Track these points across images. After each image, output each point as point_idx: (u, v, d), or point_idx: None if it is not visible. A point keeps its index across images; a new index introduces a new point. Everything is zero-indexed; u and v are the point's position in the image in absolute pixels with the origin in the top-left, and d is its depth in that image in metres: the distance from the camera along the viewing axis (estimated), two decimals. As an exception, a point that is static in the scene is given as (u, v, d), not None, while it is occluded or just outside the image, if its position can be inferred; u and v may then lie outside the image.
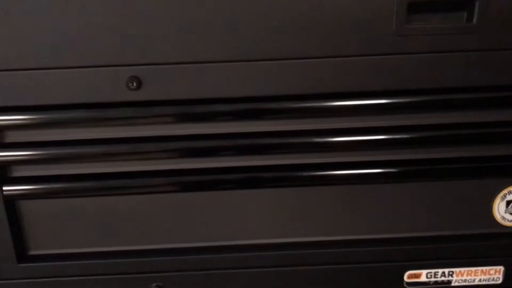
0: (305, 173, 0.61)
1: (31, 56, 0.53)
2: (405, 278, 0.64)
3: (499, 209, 0.62)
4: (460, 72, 0.55)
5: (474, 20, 0.52)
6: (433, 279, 0.64)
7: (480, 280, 0.63)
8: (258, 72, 0.55)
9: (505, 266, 0.63)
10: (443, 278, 0.64)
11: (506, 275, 0.64)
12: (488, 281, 0.64)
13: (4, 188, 0.59)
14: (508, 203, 0.61)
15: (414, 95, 0.57)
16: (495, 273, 0.63)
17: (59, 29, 0.52)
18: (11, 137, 0.59)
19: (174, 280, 0.64)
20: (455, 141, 0.60)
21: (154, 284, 0.64)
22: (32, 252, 0.64)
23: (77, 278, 0.64)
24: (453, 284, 0.64)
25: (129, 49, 0.53)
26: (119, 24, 0.52)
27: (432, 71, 0.55)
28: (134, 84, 0.54)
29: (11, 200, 0.61)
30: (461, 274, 0.63)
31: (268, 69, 0.54)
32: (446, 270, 0.64)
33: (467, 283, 0.64)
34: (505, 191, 0.61)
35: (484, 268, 0.63)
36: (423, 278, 0.63)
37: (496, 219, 0.62)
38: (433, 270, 0.64)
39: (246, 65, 0.54)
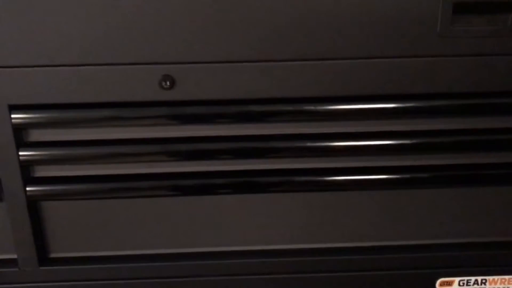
0: (324, 178, 0.59)
1: (61, 52, 0.51)
2: (437, 286, 0.62)
3: (535, 216, 0.61)
4: (503, 76, 0.53)
5: (520, 22, 0.51)
6: (465, 287, 0.62)
7: (514, 289, 0.62)
8: (295, 72, 0.53)
9: (539, 275, 0.62)
10: (476, 286, 0.62)
11: (539, 283, 0.63)
12: (521, 289, 0.63)
13: (27, 188, 0.57)
14: (545, 210, 0.60)
15: (454, 98, 0.55)
16: (530, 281, 0.62)
17: (91, 25, 0.51)
18: (36, 135, 0.57)
19: (200, 285, 0.62)
20: (490, 147, 0.58)
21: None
22: (54, 255, 0.62)
23: (98, 282, 0.62)
24: (485, 292, 0.63)
25: (164, 46, 0.51)
26: (153, 20, 0.51)
27: (474, 75, 0.54)
28: (168, 83, 0.53)
29: (34, 201, 0.59)
30: (494, 282, 0.62)
31: (306, 69, 0.53)
32: (479, 278, 0.62)
33: (499, 292, 0.63)
34: (543, 197, 0.60)
35: (518, 276, 0.62)
36: (455, 286, 0.62)
37: (533, 226, 0.61)
38: (465, 278, 0.62)
39: (282, 65, 0.53)
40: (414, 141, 0.57)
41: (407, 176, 0.59)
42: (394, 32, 0.51)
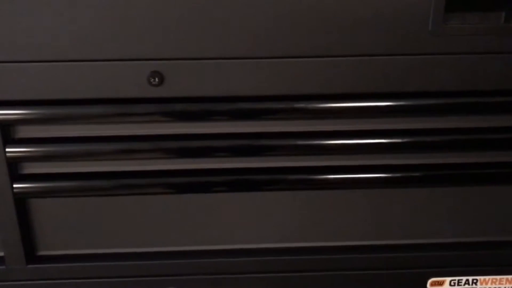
0: (318, 177, 0.59)
1: (49, 48, 0.51)
2: (428, 285, 0.62)
3: (527, 216, 0.60)
4: (496, 74, 0.53)
5: (513, 21, 0.50)
6: (456, 287, 0.62)
7: (505, 289, 0.62)
8: (290, 69, 0.53)
9: (530, 275, 0.62)
10: (467, 286, 0.62)
11: (531, 284, 0.62)
12: (512, 290, 0.62)
13: (14, 185, 0.57)
14: (537, 210, 0.60)
15: (445, 97, 0.55)
16: (521, 282, 0.62)
17: (79, 21, 0.50)
18: (24, 132, 0.56)
19: (190, 283, 0.62)
20: (484, 146, 0.58)
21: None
22: (41, 253, 0.61)
23: (87, 280, 0.62)
24: (476, 292, 0.62)
25: (151, 42, 0.51)
26: (141, 17, 0.50)
27: (467, 73, 0.53)
28: (156, 79, 0.52)
29: (21, 198, 0.58)
30: (485, 282, 0.62)
31: (298, 66, 0.52)
32: (470, 278, 0.62)
33: (491, 292, 0.62)
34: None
35: (510, 276, 0.61)
36: (446, 286, 0.62)
37: (525, 226, 0.61)
38: (456, 278, 0.62)
39: (272, 62, 0.52)
40: (406, 139, 0.57)
41: (400, 175, 0.59)
42: (386, 29, 0.51)
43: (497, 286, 0.62)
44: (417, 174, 0.59)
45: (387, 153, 0.58)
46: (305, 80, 0.53)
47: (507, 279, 0.61)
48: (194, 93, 0.53)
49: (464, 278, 0.62)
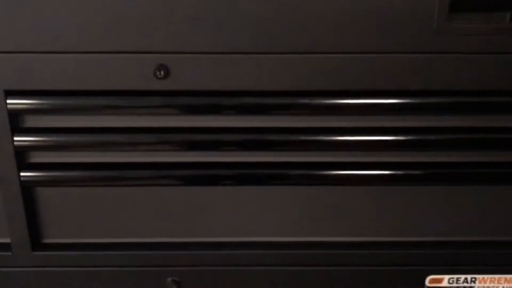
0: (320, 172, 0.59)
1: (56, 38, 0.51)
2: (427, 283, 0.63)
3: (527, 216, 0.61)
4: (500, 75, 0.53)
5: (518, 21, 0.51)
6: (455, 285, 0.62)
7: (503, 288, 0.62)
8: (293, 65, 0.53)
9: (529, 275, 0.62)
10: (465, 284, 0.62)
11: (530, 284, 0.63)
12: (511, 289, 0.63)
13: (21, 174, 0.58)
14: (537, 211, 0.60)
15: (449, 96, 0.55)
16: (520, 281, 0.62)
17: (87, 12, 0.50)
18: (31, 121, 0.57)
19: (191, 275, 0.63)
20: (487, 146, 0.58)
21: (170, 279, 0.62)
22: (47, 241, 0.63)
23: (91, 269, 0.63)
24: (474, 290, 0.63)
25: (158, 36, 0.51)
26: (148, 10, 0.50)
27: (470, 73, 0.53)
28: (162, 72, 0.53)
29: (28, 187, 0.59)
30: (484, 281, 0.62)
31: (303, 62, 0.53)
32: (469, 276, 0.62)
33: (489, 291, 0.63)
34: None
35: (508, 276, 0.62)
36: (444, 283, 0.62)
37: (524, 226, 0.61)
38: (455, 276, 0.62)
39: (278, 57, 0.53)
40: (408, 137, 0.57)
41: (401, 172, 0.59)
42: (391, 27, 0.51)
43: (495, 285, 0.62)
44: (419, 172, 0.59)
45: (390, 151, 0.59)
46: (310, 77, 0.53)
47: (505, 279, 0.62)
48: (200, 87, 0.54)
49: (462, 277, 0.62)
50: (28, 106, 0.55)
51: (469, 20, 0.51)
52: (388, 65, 0.53)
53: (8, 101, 0.54)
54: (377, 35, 0.51)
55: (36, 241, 0.62)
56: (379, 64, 0.53)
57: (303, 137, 0.58)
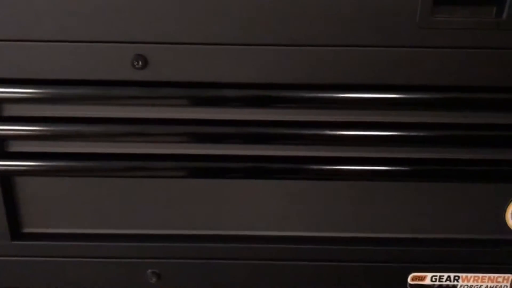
0: (315, 167, 0.58)
1: (34, 27, 0.51)
2: (409, 280, 0.62)
3: (512, 215, 0.59)
4: (483, 70, 0.52)
5: (504, 15, 0.49)
6: (437, 283, 0.62)
7: (486, 287, 0.61)
8: (271, 58, 0.52)
9: (513, 274, 0.62)
10: (448, 283, 0.62)
11: (514, 283, 0.62)
12: (494, 288, 0.62)
13: (0, 162, 0.57)
14: (522, 209, 0.59)
15: (432, 91, 0.54)
16: (503, 280, 0.61)
17: (63, 0, 0.50)
18: (9, 110, 0.56)
19: (171, 267, 0.62)
20: (469, 142, 0.57)
21: (149, 271, 0.62)
22: (26, 230, 0.62)
23: (71, 259, 0.63)
24: (458, 289, 0.62)
25: (136, 25, 0.50)
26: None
27: (454, 68, 0.52)
28: (140, 63, 0.52)
29: (6, 176, 0.59)
30: (467, 280, 0.61)
31: (282, 55, 0.52)
32: (452, 275, 0.62)
33: (472, 289, 0.62)
34: (520, 197, 0.59)
35: (491, 275, 0.61)
36: (427, 281, 0.61)
37: (509, 225, 0.60)
38: (438, 274, 0.62)
39: (259, 49, 0.52)
40: (390, 133, 0.56)
41: (385, 168, 0.58)
42: (373, 20, 0.50)
43: (478, 283, 0.62)
44: (403, 168, 0.58)
45: (373, 146, 0.58)
46: (293, 70, 0.52)
47: (489, 277, 0.61)
48: (179, 77, 0.53)
49: (445, 275, 0.61)
50: (6, 95, 0.55)
51: (454, 14, 0.50)
52: (370, 59, 0.52)
53: (-15, 89, 0.54)
54: (359, 28, 0.50)
55: (15, 230, 0.61)
56: (361, 58, 0.52)
57: (286, 131, 0.57)
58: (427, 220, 0.61)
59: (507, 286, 0.61)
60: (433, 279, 0.61)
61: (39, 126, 0.57)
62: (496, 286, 0.61)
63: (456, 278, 0.61)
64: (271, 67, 0.52)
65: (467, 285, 0.61)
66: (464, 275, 0.61)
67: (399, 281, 0.62)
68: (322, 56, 0.52)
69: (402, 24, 0.50)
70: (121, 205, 0.61)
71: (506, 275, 0.61)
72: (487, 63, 0.51)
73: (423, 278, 0.61)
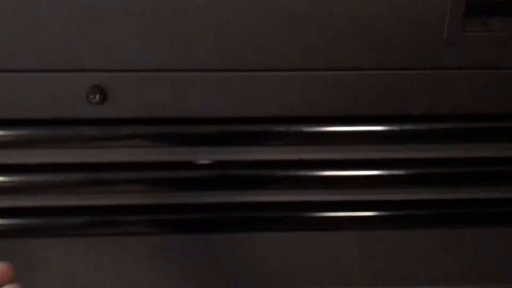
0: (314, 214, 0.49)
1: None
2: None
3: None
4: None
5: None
6: None
7: None
8: (257, 87, 0.43)
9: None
10: None
11: None
12: None
13: None
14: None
15: (460, 121, 0.45)
16: None
17: (7, 22, 0.40)
18: None
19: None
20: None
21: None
22: None
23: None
24: None
25: (92, 49, 0.41)
26: (79, 19, 0.40)
27: (486, 92, 0.43)
28: (97, 96, 0.41)
29: None
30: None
31: (274, 82, 0.43)
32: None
33: None
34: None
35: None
36: None
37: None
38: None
39: (244, 76, 0.42)
40: (412, 171, 0.47)
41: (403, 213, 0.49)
42: (389, 38, 0.40)
43: None
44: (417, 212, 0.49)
45: (387, 188, 0.48)
46: (287, 99, 0.44)
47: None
48: (146, 113, 0.43)
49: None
50: None
51: (487, 27, 0.40)
52: (386, 85, 0.42)
53: None
54: (372, 48, 0.40)
55: None
56: (373, 83, 0.42)
57: (278, 173, 0.47)
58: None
59: None
60: None
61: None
62: None
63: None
64: (258, 98, 0.43)
65: None
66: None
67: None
68: (322, 82, 0.42)
69: (424, 41, 0.40)
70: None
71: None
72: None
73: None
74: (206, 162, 0.46)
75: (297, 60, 0.42)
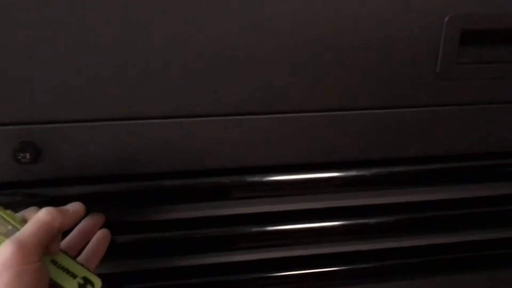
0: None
1: None
2: None
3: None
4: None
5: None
6: None
7: None
8: (238, 131, 0.37)
9: None
10: None
11: None
12: None
13: None
14: None
15: (456, 161, 0.40)
16: None
17: None
18: None
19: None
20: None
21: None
22: None
23: None
24: None
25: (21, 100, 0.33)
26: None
27: (484, 130, 0.38)
28: (28, 155, 0.34)
29: None
30: None
31: (249, 127, 0.36)
32: None
33: None
34: None
35: None
36: None
37: None
38: None
39: (204, 121, 0.36)
40: (405, 216, 0.42)
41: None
42: (377, 75, 0.35)
43: None
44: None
45: (377, 237, 0.43)
46: (263, 145, 0.37)
47: None
48: (88, 171, 0.35)
49: None
50: None
51: (480, 58, 0.35)
52: (375, 126, 0.36)
53: None
54: (359, 86, 0.35)
55: None
56: (362, 125, 0.37)
57: (255, 229, 0.41)
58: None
59: None
60: None
61: None
62: None
63: None
64: (229, 145, 0.37)
65: None
66: None
67: None
68: (302, 125, 0.36)
69: (415, 76, 0.35)
70: None
71: None
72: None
73: None
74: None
75: (283, 102, 0.36)
